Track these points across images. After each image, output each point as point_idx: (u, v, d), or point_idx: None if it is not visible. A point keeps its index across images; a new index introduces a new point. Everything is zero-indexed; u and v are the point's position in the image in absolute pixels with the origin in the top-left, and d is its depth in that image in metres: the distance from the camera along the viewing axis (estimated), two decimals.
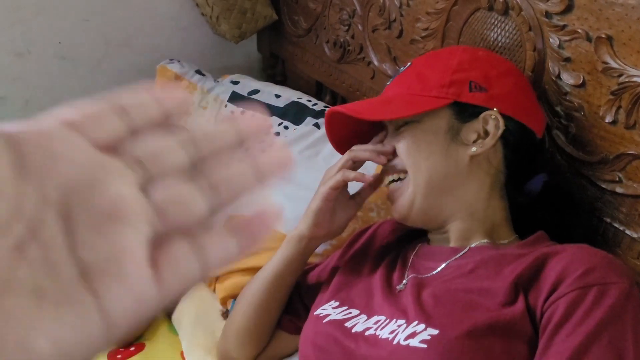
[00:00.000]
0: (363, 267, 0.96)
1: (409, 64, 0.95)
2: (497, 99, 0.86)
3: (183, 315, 1.24)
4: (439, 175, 0.86)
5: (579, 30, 0.91)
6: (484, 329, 0.70)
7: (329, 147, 1.34)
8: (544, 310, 0.72)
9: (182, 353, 1.17)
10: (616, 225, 0.92)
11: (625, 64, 0.86)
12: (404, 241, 0.98)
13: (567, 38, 0.93)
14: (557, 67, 0.96)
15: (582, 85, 0.92)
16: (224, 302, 1.25)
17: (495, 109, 0.85)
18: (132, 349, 1.21)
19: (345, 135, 0.98)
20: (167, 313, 1.30)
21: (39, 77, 1.69)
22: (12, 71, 1.65)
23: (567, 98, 0.95)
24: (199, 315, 1.22)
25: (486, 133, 0.86)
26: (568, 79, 0.94)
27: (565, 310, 0.70)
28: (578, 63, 0.92)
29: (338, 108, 0.92)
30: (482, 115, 0.86)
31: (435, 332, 0.70)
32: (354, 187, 0.97)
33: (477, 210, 0.87)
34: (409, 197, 0.86)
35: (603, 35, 0.87)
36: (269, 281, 0.96)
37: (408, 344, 0.70)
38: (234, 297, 1.25)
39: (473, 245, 0.85)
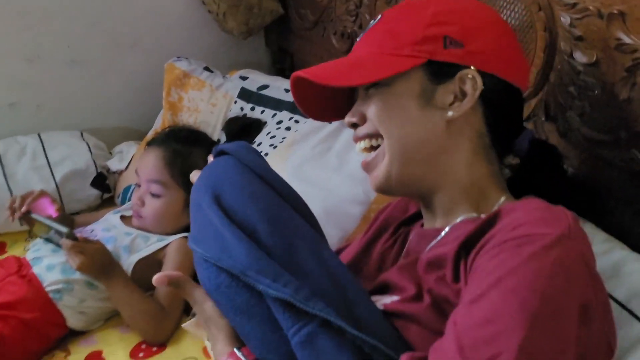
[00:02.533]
0: (372, 250, 0.94)
1: (379, 16, 0.85)
2: (475, 55, 0.78)
3: None
4: (414, 143, 0.78)
5: (591, 8, 0.89)
6: (437, 303, 0.69)
7: (341, 143, 1.33)
8: (470, 267, 0.66)
9: (204, 349, 1.18)
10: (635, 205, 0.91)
11: (639, 40, 0.84)
12: (417, 217, 0.92)
13: (578, 16, 0.91)
14: (569, 47, 0.94)
15: (596, 63, 0.90)
16: None
17: (472, 67, 0.77)
18: (154, 349, 1.22)
19: (317, 96, 0.87)
20: (188, 307, 1.31)
21: (50, 81, 1.70)
22: (23, 77, 1.67)
23: (581, 77, 0.93)
24: None
25: (463, 94, 0.78)
26: (581, 57, 0.93)
27: (482, 264, 0.64)
28: (590, 41, 0.91)
29: (300, 73, 0.81)
30: (458, 75, 0.77)
31: (396, 298, 0.73)
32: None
33: (460, 179, 0.80)
34: (385, 167, 0.80)
35: (615, 11, 0.86)
36: None
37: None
38: None
39: (457, 221, 0.79)
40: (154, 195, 1.35)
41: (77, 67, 1.72)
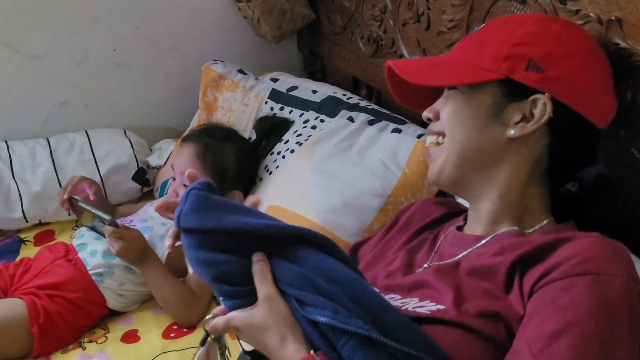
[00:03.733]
0: (395, 247, 0.99)
1: (483, 24, 0.89)
2: (553, 82, 0.79)
3: None
4: (471, 150, 0.83)
5: (591, 14, 0.95)
6: (483, 312, 0.71)
7: (361, 140, 1.40)
8: (533, 291, 0.70)
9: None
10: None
11: (634, 44, 0.89)
12: (442, 220, 0.98)
13: (580, 22, 0.96)
14: None
15: None
16: None
17: (546, 94, 0.79)
18: (185, 330, 1.32)
19: (409, 84, 0.91)
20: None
21: (97, 82, 1.82)
22: (73, 78, 1.79)
23: None
24: None
25: (532, 116, 0.80)
26: None
27: (552, 295, 0.67)
28: None
29: (390, 63, 0.90)
30: (531, 98, 0.79)
31: (442, 307, 0.75)
32: None
33: (509, 195, 0.83)
34: (440, 163, 0.86)
35: (613, 18, 0.91)
36: None
37: (415, 310, 0.76)
38: None
39: (499, 232, 0.83)
40: (187, 187, 1.44)
41: (122, 69, 1.84)
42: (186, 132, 1.74)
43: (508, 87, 0.81)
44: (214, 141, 1.49)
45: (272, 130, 1.59)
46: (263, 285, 0.71)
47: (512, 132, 0.80)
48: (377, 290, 0.78)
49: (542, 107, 0.79)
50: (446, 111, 0.86)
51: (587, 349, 0.63)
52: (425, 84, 0.88)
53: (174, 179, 1.49)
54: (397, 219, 1.05)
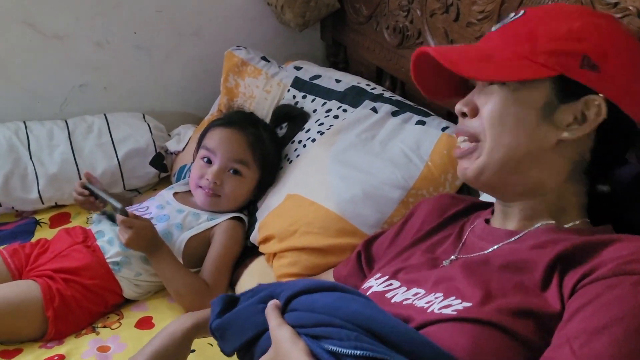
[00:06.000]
0: (415, 240, 0.96)
1: (521, 12, 0.83)
2: (608, 82, 0.75)
3: (245, 287, 1.31)
4: (518, 154, 0.78)
5: (630, 7, 0.91)
6: (513, 310, 0.69)
7: (384, 131, 1.38)
8: (575, 290, 0.68)
9: None
10: None
11: None
12: (465, 213, 0.95)
13: (619, 15, 0.93)
14: None
15: None
16: (280, 279, 1.30)
17: (601, 95, 0.75)
18: None
19: (435, 75, 0.87)
20: (231, 284, 1.39)
21: (117, 65, 1.81)
22: (93, 60, 1.78)
23: None
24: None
25: (583, 118, 0.76)
26: None
27: (596, 292, 0.66)
28: None
29: (430, 51, 0.80)
30: (584, 99, 0.76)
31: (469, 304, 0.72)
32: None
33: (548, 193, 0.80)
34: (477, 166, 0.80)
35: None
36: None
37: (441, 312, 0.73)
38: (289, 276, 1.29)
39: (534, 227, 0.80)
40: (236, 172, 1.42)
41: (142, 52, 1.82)
42: (207, 118, 1.72)
43: (561, 86, 0.76)
44: (259, 131, 1.47)
45: (286, 118, 1.57)
46: (270, 321, 0.76)
47: (565, 134, 0.77)
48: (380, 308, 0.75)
49: (596, 109, 0.76)
50: (490, 109, 0.79)
51: (629, 347, 0.62)
52: (477, 78, 0.82)
53: (209, 163, 1.43)
54: (412, 214, 1.03)
